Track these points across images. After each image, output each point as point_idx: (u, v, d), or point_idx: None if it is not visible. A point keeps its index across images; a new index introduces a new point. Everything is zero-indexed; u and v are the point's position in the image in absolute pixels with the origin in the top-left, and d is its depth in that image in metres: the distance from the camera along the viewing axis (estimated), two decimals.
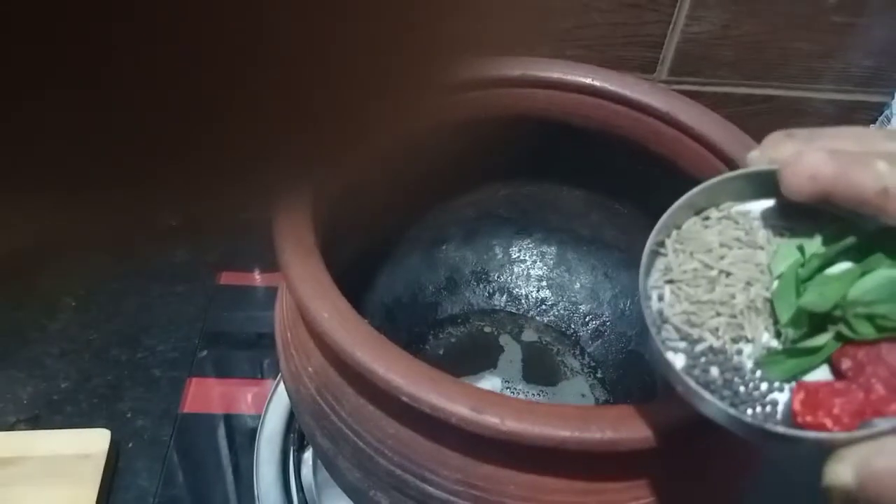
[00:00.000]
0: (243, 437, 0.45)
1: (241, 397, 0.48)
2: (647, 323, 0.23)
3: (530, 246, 0.47)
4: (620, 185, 0.42)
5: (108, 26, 0.07)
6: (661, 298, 0.24)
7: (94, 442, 0.44)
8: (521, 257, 0.47)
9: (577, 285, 0.46)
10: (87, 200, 0.09)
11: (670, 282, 0.24)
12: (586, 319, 0.46)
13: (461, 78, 0.11)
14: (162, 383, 0.49)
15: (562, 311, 0.46)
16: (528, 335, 0.46)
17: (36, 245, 0.10)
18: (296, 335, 0.31)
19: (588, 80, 0.38)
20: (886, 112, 0.65)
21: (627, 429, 0.24)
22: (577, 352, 0.45)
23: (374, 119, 0.10)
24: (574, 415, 0.24)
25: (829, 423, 0.20)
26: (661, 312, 0.23)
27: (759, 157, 0.24)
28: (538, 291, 0.47)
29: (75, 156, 0.08)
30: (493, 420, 0.24)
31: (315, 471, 0.42)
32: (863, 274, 0.22)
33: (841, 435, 0.19)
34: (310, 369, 0.30)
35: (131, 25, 0.07)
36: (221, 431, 0.46)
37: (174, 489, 0.43)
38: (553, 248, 0.47)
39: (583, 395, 0.43)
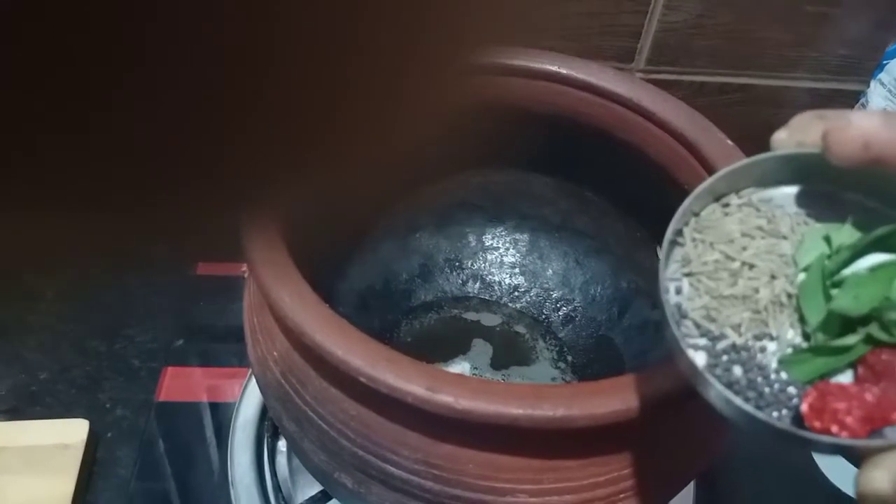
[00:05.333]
0: (219, 424, 0.46)
1: (217, 386, 0.48)
2: (665, 317, 0.22)
3: (503, 233, 0.47)
4: (589, 173, 0.43)
5: (112, 36, 0.07)
6: (678, 291, 0.22)
7: (73, 432, 0.45)
8: (494, 245, 0.47)
9: (549, 272, 0.47)
10: (79, 209, 0.09)
11: (689, 274, 0.23)
12: (558, 305, 0.46)
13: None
14: (141, 374, 0.49)
15: (534, 298, 0.47)
16: (501, 321, 0.47)
17: (24, 247, 0.10)
18: (262, 321, 0.32)
19: (554, 68, 0.38)
20: (862, 100, 0.66)
21: (580, 406, 0.25)
22: (549, 337, 0.46)
23: (384, 117, 0.11)
24: (527, 393, 0.25)
25: (835, 428, 0.19)
26: (679, 307, 0.22)
27: (787, 140, 0.22)
28: (511, 278, 0.47)
29: (74, 167, 0.09)
30: (447, 399, 0.24)
31: (289, 457, 0.43)
32: None
33: (878, 441, 0.19)
34: (275, 354, 0.30)
35: (136, 34, 0.07)
36: (197, 419, 0.46)
37: (149, 476, 0.44)
38: (525, 236, 0.47)
39: (553, 380, 0.44)
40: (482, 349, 0.45)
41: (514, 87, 0.39)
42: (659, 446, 0.29)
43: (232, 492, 0.41)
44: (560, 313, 0.46)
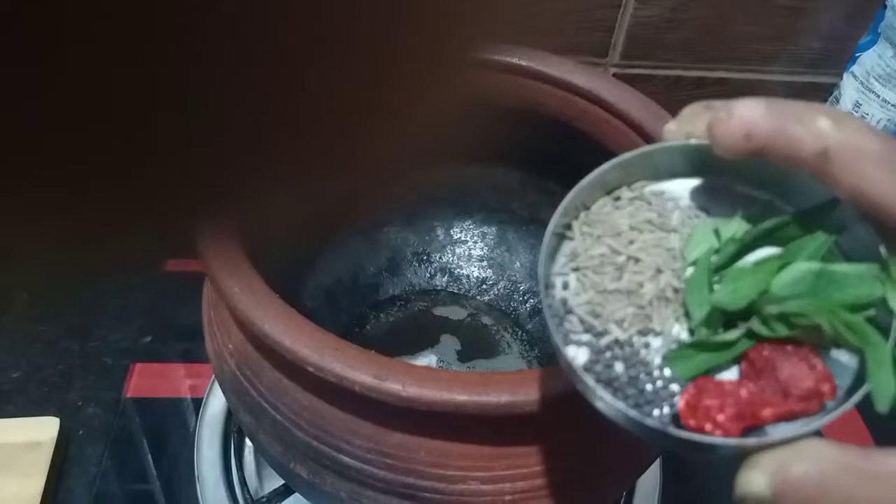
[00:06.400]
0: (186, 419, 0.46)
1: (185, 382, 0.48)
2: (546, 313, 0.21)
3: (471, 227, 0.47)
4: (553, 165, 0.43)
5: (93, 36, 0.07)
6: (565, 287, 0.22)
7: (43, 430, 0.44)
8: (463, 238, 0.47)
9: (517, 264, 0.47)
10: (59, 204, 0.09)
11: (576, 269, 0.22)
12: (525, 297, 0.46)
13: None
14: (113, 372, 0.49)
15: (502, 290, 0.47)
16: (469, 314, 0.47)
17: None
18: (217, 314, 0.32)
19: (514, 60, 0.38)
20: (835, 93, 0.66)
21: (525, 392, 0.25)
22: (517, 329, 0.46)
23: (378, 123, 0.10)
24: (474, 380, 0.25)
25: (708, 426, 0.18)
26: (565, 302, 0.22)
27: (676, 131, 0.22)
28: (479, 271, 0.47)
29: (56, 164, 0.08)
30: (395, 386, 0.25)
31: (256, 451, 0.43)
32: (782, 266, 0.20)
33: (751, 441, 0.18)
34: (230, 346, 0.30)
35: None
36: (164, 415, 0.46)
37: (116, 472, 0.44)
38: (493, 229, 0.47)
39: None
40: (450, 342, 0.45)
41: (477, 80, 0.39)
42: (611, 430, 0.29)
43: (198, 486, 0.41)
44: (527, 305, 0.46)
